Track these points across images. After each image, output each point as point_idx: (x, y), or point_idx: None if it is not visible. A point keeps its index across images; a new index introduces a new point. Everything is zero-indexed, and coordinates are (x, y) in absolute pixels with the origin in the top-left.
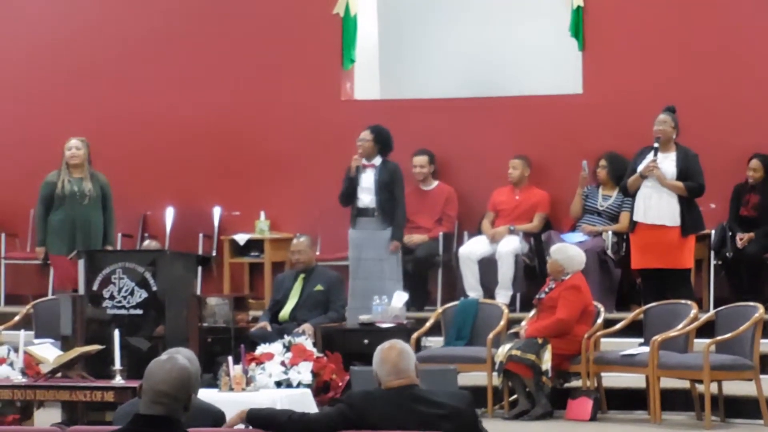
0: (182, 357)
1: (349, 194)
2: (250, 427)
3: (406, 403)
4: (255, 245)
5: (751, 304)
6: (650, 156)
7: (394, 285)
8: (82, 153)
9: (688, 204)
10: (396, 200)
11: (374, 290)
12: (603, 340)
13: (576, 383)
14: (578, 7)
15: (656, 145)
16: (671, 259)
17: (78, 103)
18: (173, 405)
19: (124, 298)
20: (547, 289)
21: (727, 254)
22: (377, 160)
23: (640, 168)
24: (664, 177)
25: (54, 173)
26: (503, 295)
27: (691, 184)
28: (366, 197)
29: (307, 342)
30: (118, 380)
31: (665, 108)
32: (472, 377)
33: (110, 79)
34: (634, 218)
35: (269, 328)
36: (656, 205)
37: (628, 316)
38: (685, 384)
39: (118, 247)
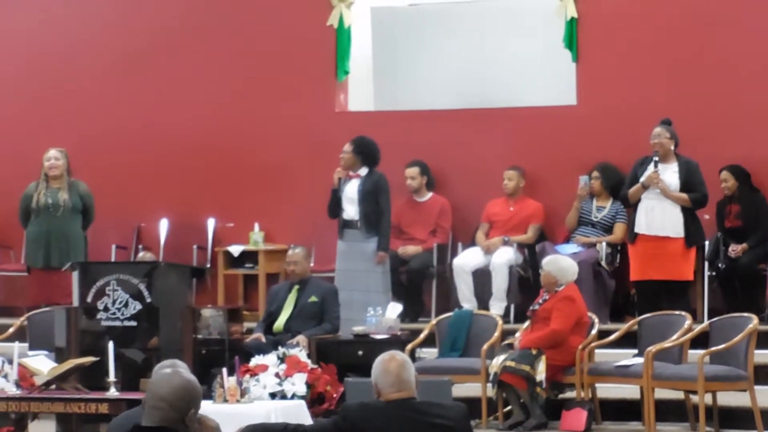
0: (187, 371)
1: (334, 206)
2: None
3: (405, 416)
4: (249, 257)
5: (745, 315)
6: (651, 167)
7: (380, 297)
8: (61, 164)
9: (691, 215)
10: (381, 210)
11: (360, 302)
12: (597, 351)
13: (570, 394)
14: (572, 18)
15: (656, 158)
16: (673, 270)
17: (73, 115)
18: (171, 414)
19: (119, 309)
20: (540, 300)
21: (720, 265)
22: (363, 171)
23: (643, 178)
24: (668, 188)
25: (32, 185)
26: (497, 307)
27: (695, 195)
28: (350, 208)
29: (301, 353)
30: (113, 392)
31: (661, 121)
32: (466, 388)
33: (105, 91)
34: (636, 230)
35: (263, 340)
36: (660, 216)
37: (623, 327)
38: (679, 395)
39: (112, 258)
